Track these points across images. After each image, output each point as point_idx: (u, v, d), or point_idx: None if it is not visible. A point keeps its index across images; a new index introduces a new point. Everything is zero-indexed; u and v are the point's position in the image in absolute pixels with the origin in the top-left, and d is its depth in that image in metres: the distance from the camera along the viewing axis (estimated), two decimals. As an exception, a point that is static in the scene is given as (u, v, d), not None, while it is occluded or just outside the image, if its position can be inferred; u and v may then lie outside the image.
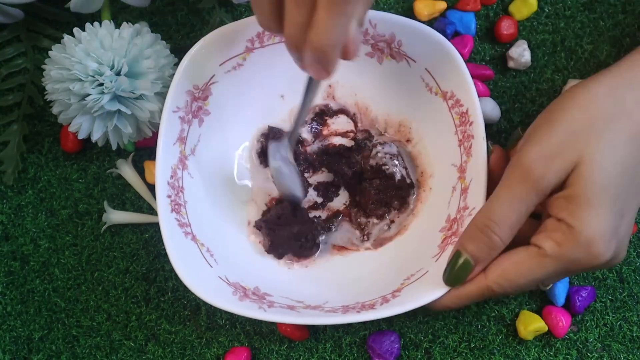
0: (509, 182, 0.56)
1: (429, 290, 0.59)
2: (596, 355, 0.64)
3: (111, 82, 0.62)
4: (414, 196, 0.67)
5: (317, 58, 0.51)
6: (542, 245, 0.55)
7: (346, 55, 0.52)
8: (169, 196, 0.62)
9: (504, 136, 0.69)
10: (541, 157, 0.55)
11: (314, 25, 0.50)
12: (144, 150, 0.70)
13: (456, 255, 0.57)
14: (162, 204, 0.61)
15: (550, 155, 0.54)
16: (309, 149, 0.69)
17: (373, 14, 0.64)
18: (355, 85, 0.68)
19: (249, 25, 0.65)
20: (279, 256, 0.66)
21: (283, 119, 0.69)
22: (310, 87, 0.59)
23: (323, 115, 0.69)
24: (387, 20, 0.64)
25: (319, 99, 0.69)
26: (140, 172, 0.69)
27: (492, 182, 0.59)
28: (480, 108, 0.62)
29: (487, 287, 0.57)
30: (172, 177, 0.63)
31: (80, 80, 0.62)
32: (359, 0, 0.49)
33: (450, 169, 0.64)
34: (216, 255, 0.63)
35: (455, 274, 0.57)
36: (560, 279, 0.58)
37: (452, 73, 0.63)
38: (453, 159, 0.64)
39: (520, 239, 0.57)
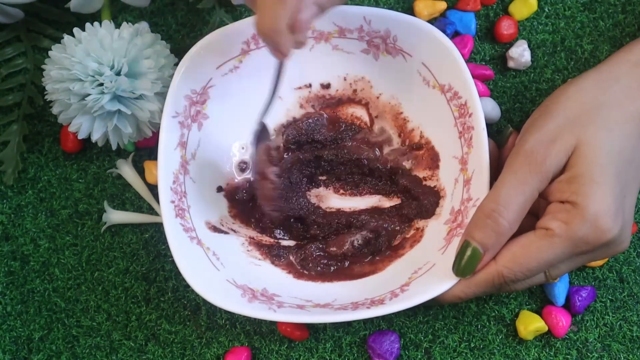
0: (513, 168, 0.57)
1: (438, 283, 0.58)
2: (596, 355, 0.64)
3: (111, 82, 0.62)
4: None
5: (264, 40, 0.55)
6: (549, 226, 0.55)
7: (293, 31, 0.55)
8: (173, 201, 0.62)
9: (504, 136, 0.69)
10: (541, 142, 0.56)
11: (257, 11, 0.54)
12: (144, 150, 0.70)
13: (464, 245, 0.57)
14: (166, 210, 0.61)
15: (549, 140, 0.56)
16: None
17: (367, 10, 0.64)
18: (352, 82, 0.69)
19: (244, 28, 0.65)
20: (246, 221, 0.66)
21: (281, 120, 0.69)
22: (277, 66, 0.61)
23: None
24: (381, 16, 0.64)
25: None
26: (140, 172, 0.69)
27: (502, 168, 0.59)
28: (479, 99, 0.62)
29: (498, 273, 0.57)
30: (174, 182, 0.63)
31: (80, 80, 0.62)
32: None
33: (451, 161, 0.64)
34: (222, 258, 0.63)
35: (465, 265, 0.57)
36: (571, 267, 0.58)
37: (448, 66, 0.63)
38: (454, 151, 0.64)
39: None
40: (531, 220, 0.57)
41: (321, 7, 0.55)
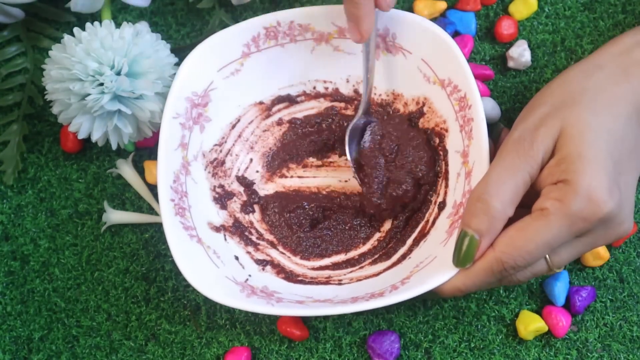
0: (502, 155, 0.57)
1: (438, 274, 0.58)
2: (596, 355, 0.64)
3: (111, 82, 0.62)
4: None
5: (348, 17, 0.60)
6: (544, 206, 0.55)
7: (380, 5, 0.61)
8: (172, 200, 0.62)
9: (504, 136, 0.69)
10: (527, 129, 0.57)
11: None
12: (144, 150, 0.70)
13: (461, 235, 0.57)
14: (165, 207, 0.61)
15: (535, 126, 0.57)
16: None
17: None
18: (354, 84, 0.69)
19: (245, 30, 0.65)
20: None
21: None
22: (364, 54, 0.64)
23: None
24: (379, 14, 0.64)
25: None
26: (140, 172, 0.69)
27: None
28: (478, 90, 0.62)
29: (496, 259, 0.56)
30: (175, 181, 0.63)
31: (80, 80, 0.62)
32: None
33: (454, 156, 0.64)
34: (223, 257, 0.63)
35: (464, 254, 0.57)
36: (572, 254, 0.57)
37: (447, 59, 0.63)
38: (456, 146, 0.64)
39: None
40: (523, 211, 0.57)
41: None
